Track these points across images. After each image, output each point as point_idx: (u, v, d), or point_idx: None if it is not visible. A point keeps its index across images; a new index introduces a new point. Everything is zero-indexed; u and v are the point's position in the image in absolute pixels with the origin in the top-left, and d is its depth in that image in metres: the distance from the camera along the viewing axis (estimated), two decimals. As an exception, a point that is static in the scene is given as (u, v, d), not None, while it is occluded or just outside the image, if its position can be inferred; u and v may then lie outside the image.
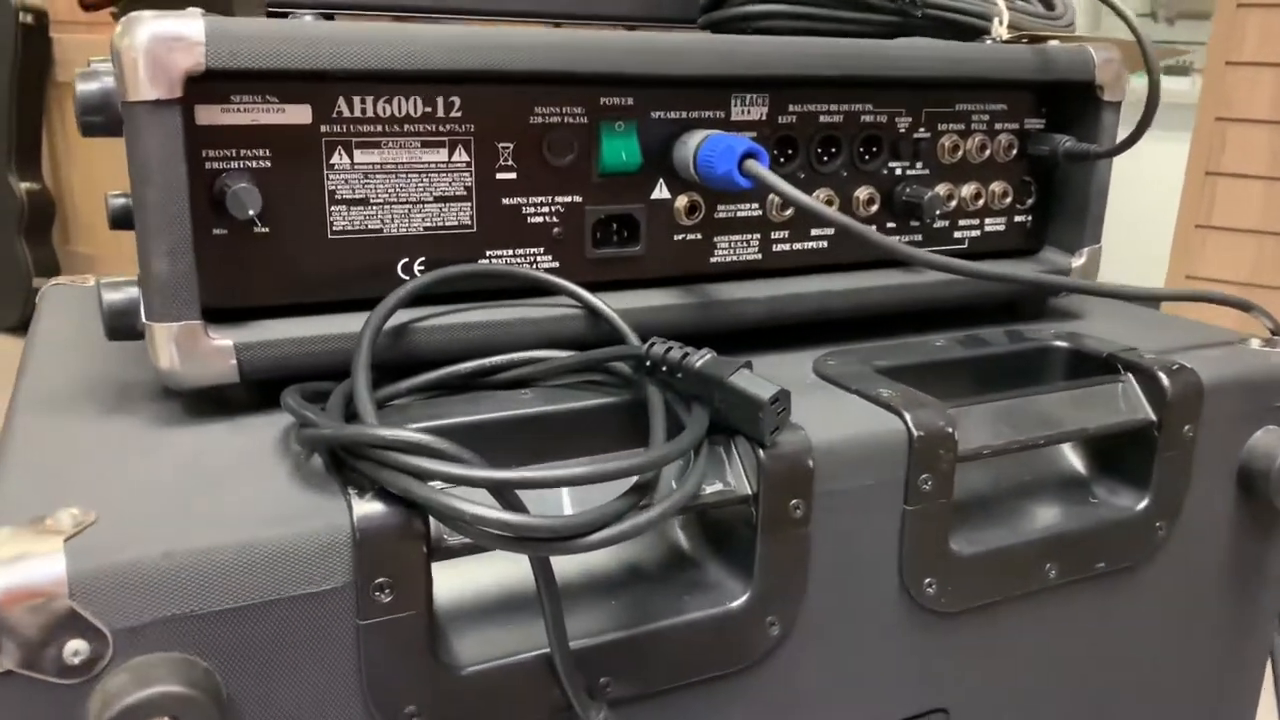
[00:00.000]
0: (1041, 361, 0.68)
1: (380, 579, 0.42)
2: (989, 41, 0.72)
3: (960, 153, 0.69)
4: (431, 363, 0.55)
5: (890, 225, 0.69)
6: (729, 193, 0.62)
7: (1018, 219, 0.74)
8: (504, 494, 0.42)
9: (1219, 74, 2.37)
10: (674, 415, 0.52)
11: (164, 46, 0.46)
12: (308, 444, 0.44)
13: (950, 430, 0.54)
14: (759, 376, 0.49)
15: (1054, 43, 0.72)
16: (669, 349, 0.52)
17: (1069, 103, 0.72)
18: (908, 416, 0.54)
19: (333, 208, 0.53)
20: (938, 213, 0.67)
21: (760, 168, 0.55)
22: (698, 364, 0.50)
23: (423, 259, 0.56)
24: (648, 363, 0.52)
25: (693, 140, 0.59)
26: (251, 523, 0.42)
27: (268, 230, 0.52)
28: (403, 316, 0.54)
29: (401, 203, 0.55)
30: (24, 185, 3.07)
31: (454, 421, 0.51)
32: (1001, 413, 0.59)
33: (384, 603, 0.43)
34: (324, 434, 0.43)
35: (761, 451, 0.50)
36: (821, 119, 0.64)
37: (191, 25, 0.47)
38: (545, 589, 0.44)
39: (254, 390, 0.53)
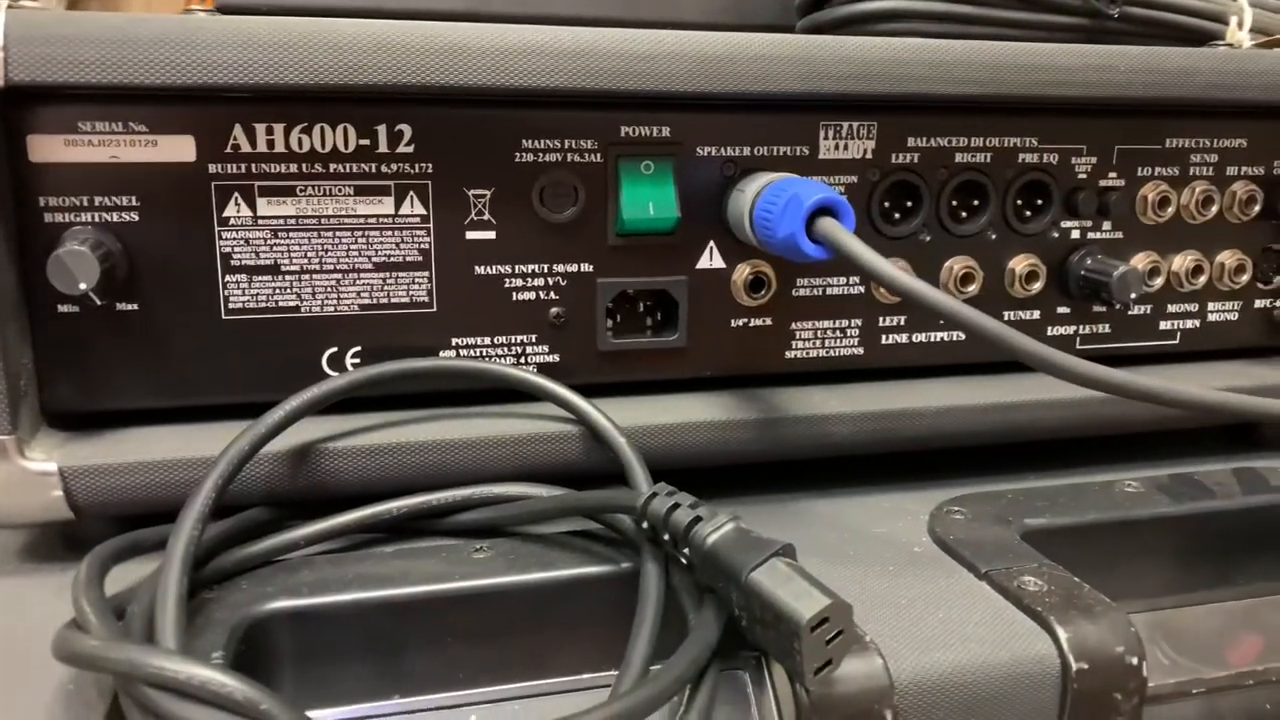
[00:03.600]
0: (1294, 525, 0.45)
1: None
2: (1223, 49, 0.50)
3: (1171, 209, 0.48)
4: (358, 498, 0.39)
5: (1062, 310, 0.48)
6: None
7: (1259, 304, 0.51)
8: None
9: None
10: (679, 608, 0.33)
11: (-61, 49, 0.32)
12: (59, 656, 0.29)
13: (1134, 661, 0.33)
14: (801, 574, 0.30)
15: (1323, 50, 0.49)
16: (673, 507, 0.33)
17: (1346, 136, 0.49)
18: (1062, 634, 0.33)
19: (228, 277, 0.38)
20: (1132, 295, 0.45)
21: (839, 231, 0.36)
22: (709, 540, 0.32)
23: (357, 349, 0.40)
24: (644, 523, 0.34)
25: (751, 188, 0.40)
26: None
27: (135, 307, 0.38)
28: (316, 431, 0.39)
29: (327, 271, 0.39)
30: None
31: (354, 597, 0.34)
32: (1224, 622, 0.38)
33: None
34: (74, 648, 0.28)
35: (805, 692, 0.31)
36: (958, 157, 0.45)
37: (-18, 19, 0.33)
38: None
39: (122, 526, 0.38)
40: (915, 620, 0.34)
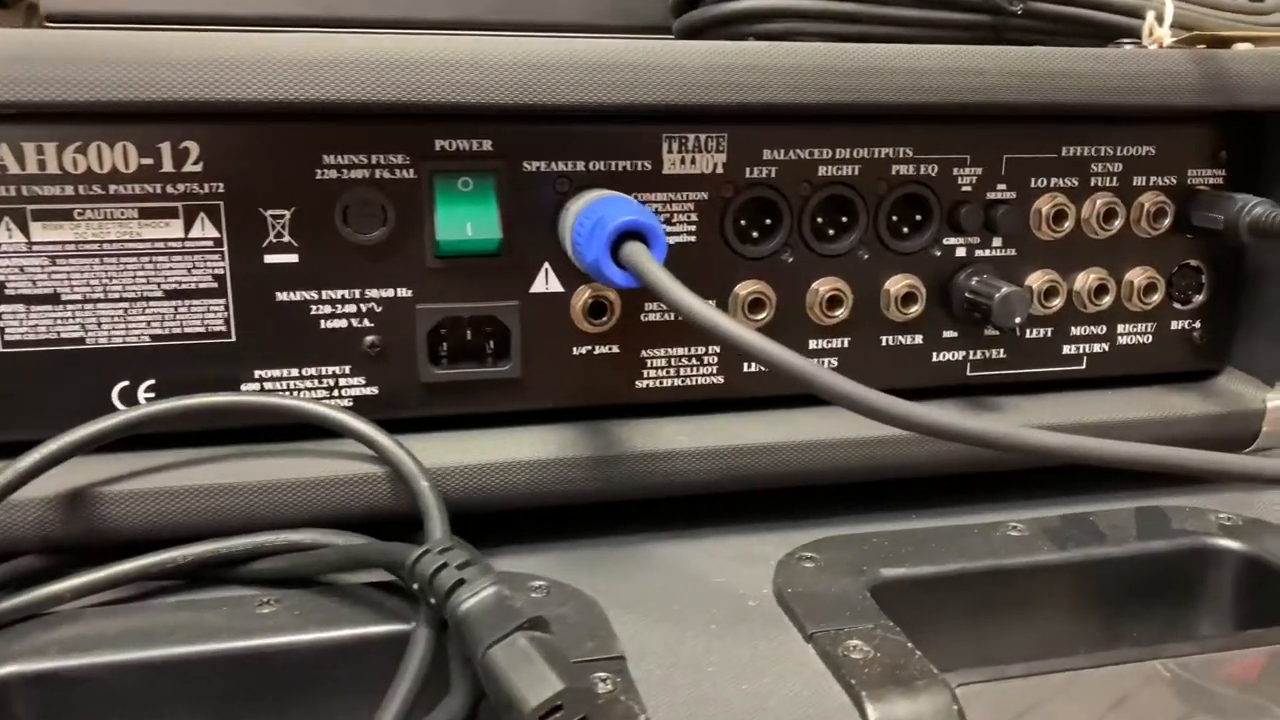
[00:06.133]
0: (1194, 575, 0.41)
1: None
2: (1128, 47, 0.46)
3: (1069, 223, 0.44)
4: (145, 544, 0.36)
5: (948, 335, 0.44)
6: (659, 285, 0.40)
7: (1177, 325, 0.47)
8: None
9: None
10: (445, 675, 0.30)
11: None
12: None
13: (953, 744, 0.30)
14: (543, 653, 0.27)
15: (1243, 47, 0.45)
16: (440, 567, 0.30)
17: (1267, 143, 0.45)
18: (871, 713, 0.30)
19: (3, 308, 0.36)
20: (1017, 319, 0.41)
21: (642, 257, 0.33)
22: (462, 607, 0.29)
23: (151, 382, 0.37)
24: (415, 585, 0.31)
25: (575, 207, 0.37)
26: None
27: (-99, 339, 0.35)
28: (98, 472, 0.36)
29: (112, 300, 0.36)
30: None
31: (107, 659, 0.32)
32: (1090, 688, 0.34)
33: None
34: None
35: (555, 780, 0.27)
36: (821, 171, 0.41)
37: None
38: None
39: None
40: (715, 692, 0.31)
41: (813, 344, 0.42)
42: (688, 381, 0.42)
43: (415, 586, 0.31)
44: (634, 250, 0.33)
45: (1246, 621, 0.40)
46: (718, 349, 0.42)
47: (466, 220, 0.37)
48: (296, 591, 0.36)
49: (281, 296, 0.37)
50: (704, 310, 0.31)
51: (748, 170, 0.40)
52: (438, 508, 0.35)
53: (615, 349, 0.41)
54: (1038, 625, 0.39)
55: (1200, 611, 0.41)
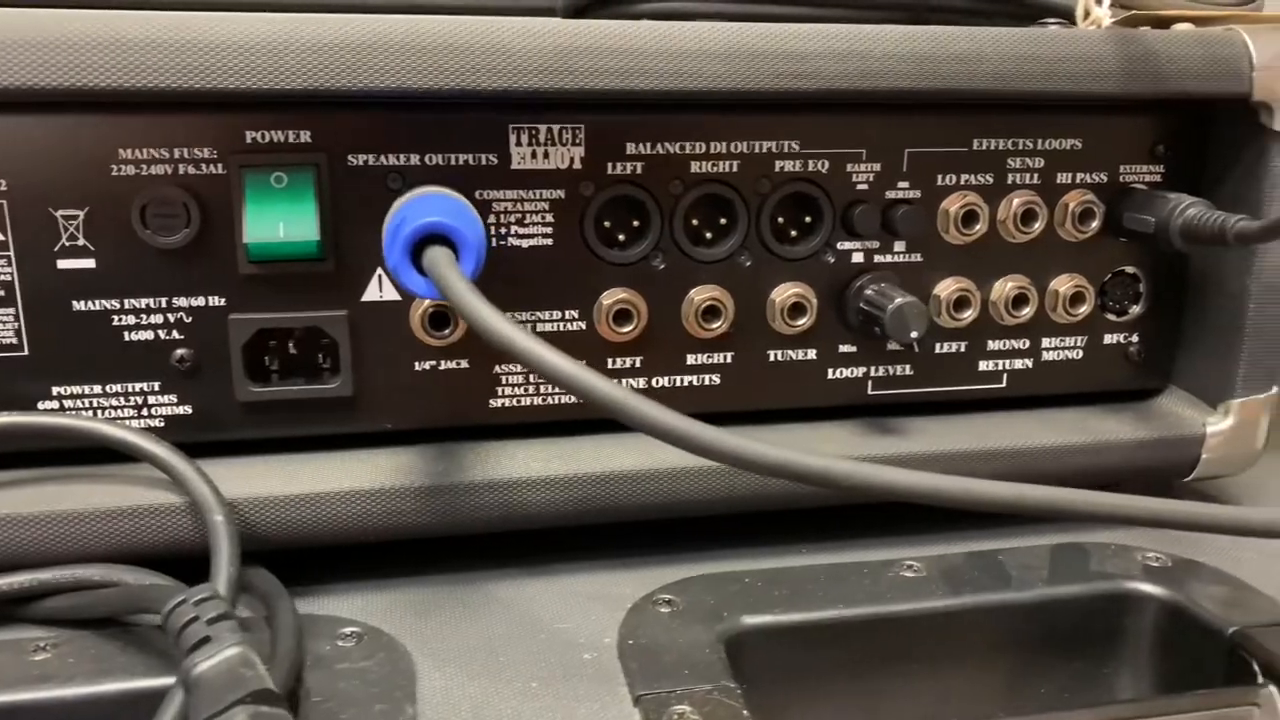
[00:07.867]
0: (1111, 624, 0.36)
1: None
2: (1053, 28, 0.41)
3: (980, 225, 0.39)
4: (-82, 578, 0.32)
5: (846, 350, 0.40)
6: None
7: (1111, 339, 0.42)
8: None
9: None
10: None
11: None
12: None
13: (775, 837, 0.25)
14: (259, 731, 0.23)
15: (1183, 27, 0.40)
16: (190, 621, 0.26)
17: (1211, 136, 0.40)
18: (678, 800, 0.25)
19: None
20: (913, 334, 0.37)
21: (441, 265, 0.29)
22: (194, 671, 0.25)
23: (-68, 400, 0.34)
24: (170, 638, 0.27)
25: (396, 206, 0.33)
26: None
27: None
28: None
29: (-117, 308, 0.33)
30: None
31: None
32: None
33: None
34: None
35: None
36: (695, 167, 0.37)
37: None
38: None
39: None
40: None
41: (690, 359, 0.38)
42: (549, 400, 0.38)
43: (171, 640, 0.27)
44: (435, 257, 0.29)
45: (1168, 679, 0.35)
46: (584, 363, 0.37)
47: (279, 220, 0.33)
48: (83, 634, 0.32)
49: (79, 305, 0.34)
50: (501, 326, 0.27)
51: (610, 165, 0.36)
52: (228, 546, 0.31)
53: (464, 364, 0.37)
54: (926, 683, 0.35)
55: (1118, 666, 0.36)
